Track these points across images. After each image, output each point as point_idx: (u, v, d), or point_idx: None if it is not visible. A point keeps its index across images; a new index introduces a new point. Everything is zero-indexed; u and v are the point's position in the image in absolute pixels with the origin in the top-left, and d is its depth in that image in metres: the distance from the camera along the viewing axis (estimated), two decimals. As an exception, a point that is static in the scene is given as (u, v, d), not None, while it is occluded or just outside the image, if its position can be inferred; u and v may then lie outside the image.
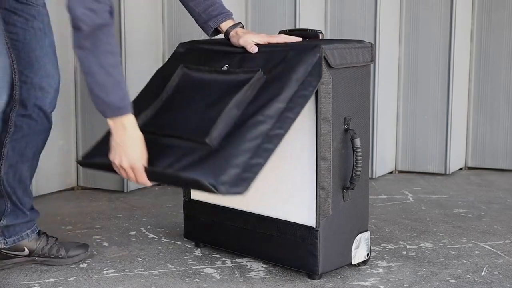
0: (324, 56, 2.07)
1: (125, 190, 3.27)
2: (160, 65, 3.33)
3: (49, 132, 2.31)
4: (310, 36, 2.27)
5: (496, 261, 2.38)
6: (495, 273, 2.28)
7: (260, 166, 1.92)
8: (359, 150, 2.15)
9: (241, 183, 1.89)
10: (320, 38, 2.26)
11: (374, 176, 3.54)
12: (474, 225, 2.79)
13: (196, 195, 2.46)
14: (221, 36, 2.31)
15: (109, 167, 2.07)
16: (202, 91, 2.15)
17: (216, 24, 2.27)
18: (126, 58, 3.15)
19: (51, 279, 2.23)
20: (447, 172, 3.60)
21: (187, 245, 2.55)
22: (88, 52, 1.92)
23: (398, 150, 3.66)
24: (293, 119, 2.00)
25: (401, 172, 3.67)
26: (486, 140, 3.70)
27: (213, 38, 2.36)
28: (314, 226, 2.16)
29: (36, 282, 2.21)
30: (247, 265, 2.34)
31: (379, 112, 3.52)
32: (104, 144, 2.11)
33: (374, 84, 3.46)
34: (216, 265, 2.35)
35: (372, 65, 3.18)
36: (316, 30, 2.27)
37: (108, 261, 2.39)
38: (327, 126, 2.12)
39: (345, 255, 2.24)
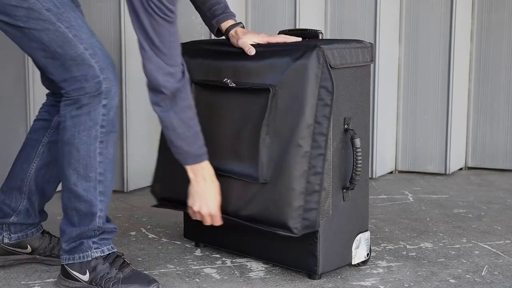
0: (324, 56, 2.07)
1: (125, 190, 3.27)
2: (160, 65, 3.33)
3: None
4: (310, 36, 2.27)
5: (496, 261, 2.38)
6: (495, 273, 2.28)
7: (317, 195, 2.08)
8: (359, 150, 2.15)
9: (309, 222, 2.09)
10: (320, 38, 2.26)
11: (374, 176, 3.54)
12: (474, 225, 2.79)
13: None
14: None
15: (181, 207, 2.31)
16: (225, 117, 2.20)
17: (218, 23, 2.27)
18: (126, 58, 3.15)
19: (51, 279, 2.23)
20: (447, 172, 3.60)
21: (187, 245, 2.55)
22: (169, 110, 2.04)
23: (398, 150, 3.66)
24: (326, 135, 2.08)
25: (401, 172, 3.67)
26: (486, 140, 3.69)
27: (214, 38, 2.36)
28: (314, 226, 2.17)
29: (36, 282, 2.21)
30: (247, 265, 2.34)
31: (379, 112, 3.52)
32: (168, 177, 2.35)
33: (374, 84, 3.46)
34: (216, 265, 2.35)
35: (372, 65, 3.17)
36: (316, 30, 2.27)
37: (108, 261, 2.39)
38: (327, 126, 2.13)
39: (345, 255, 2.24)
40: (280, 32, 2.32)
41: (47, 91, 2.30)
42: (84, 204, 2.06)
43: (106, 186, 2.09)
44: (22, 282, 2.21)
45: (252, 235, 2.30)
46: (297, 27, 3.36)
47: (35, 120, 2.30)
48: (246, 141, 2.17)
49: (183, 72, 2.04)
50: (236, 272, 2.29)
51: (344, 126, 2.16)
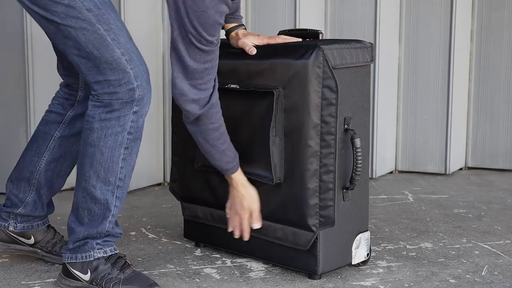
0: (324, 56, 2.08)
1: (125, 190, 3.27)
2: (160, 65, 3.34)
3: None
4: (310, 36, 2.27)
5: (496, 261, 2.38)
6: (495, 273, 2.28)
7: (332, 192, 2.11)
8: (359, 150, 2.15)
9: (326, 219, 2.12)
10: (320, 38, 2.26)
11: (374, 176, 3.54)
12: (474, 225, 2.79)
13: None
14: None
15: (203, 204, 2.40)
16: (230, 118, 2.20)
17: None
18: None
19: (51, 279, 2.23)
20: (447, 172, 3.60)
21: (187, 245, 2.55)
22: (195, 126, 2.12)
23: (398, 150, 3.66)
24: (334, 134, 2.10)
25: (401, 172, 3.67)
26: (486, 140, 3.70)
27: None
28: (314, 226, 2.17)
29: (36, 282, 2.21)
30: (247, 265, 2.34)
31: (379, 112, 3.52)
32: (185, 177, 2.42)
33: (374, 84, 3.46)
34: (216, 265, 2.35)
35: (372, 65, 3.18)
36: (316, 30, 2.27)
37: (108, 261, 2.39)
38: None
39: (345, 255, 2.24)
40: (280, 32, 2.32)
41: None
42: (98, 206, 2.06)
43: (123, 192, 2.08)
44: (22, 282, 2.21)
45: (252, 235, 2.30)
46: (297, 27, 3.36)
47: (47, 111, 2.28)
48: (255, 143, 2.19)
49: (211, 95, 2.08)
50: (236, 272, 2.29)
51: (344, 126, 2.16)
